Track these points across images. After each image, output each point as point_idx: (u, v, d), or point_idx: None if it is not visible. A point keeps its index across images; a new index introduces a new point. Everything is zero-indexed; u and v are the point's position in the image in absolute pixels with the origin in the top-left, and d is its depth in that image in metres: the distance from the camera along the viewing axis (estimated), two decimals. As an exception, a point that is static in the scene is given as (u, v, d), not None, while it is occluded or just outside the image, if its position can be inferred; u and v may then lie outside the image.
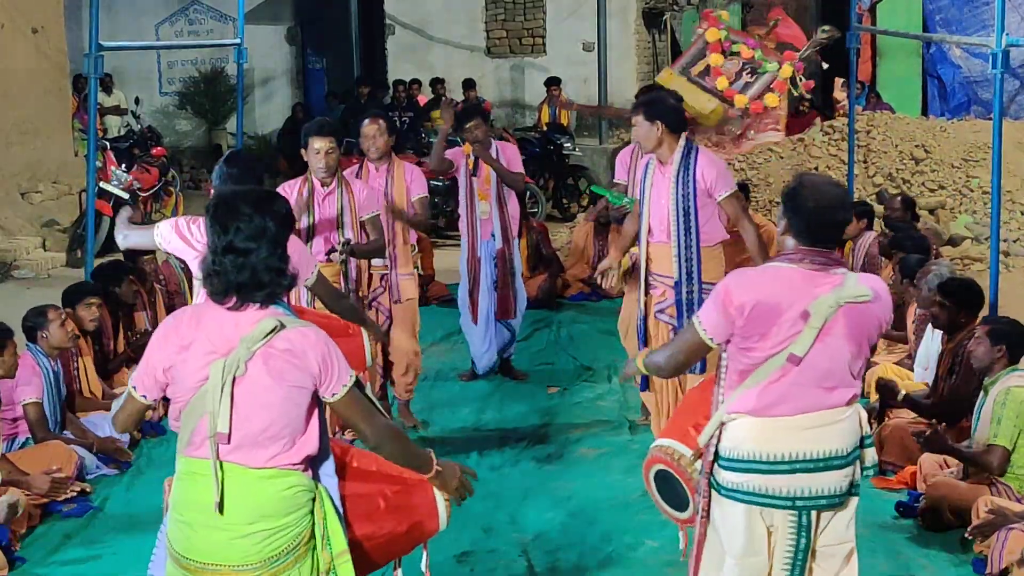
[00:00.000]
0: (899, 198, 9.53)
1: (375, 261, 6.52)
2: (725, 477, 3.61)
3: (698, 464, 3.71)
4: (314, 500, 3.40)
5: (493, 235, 7.80)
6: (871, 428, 6.35)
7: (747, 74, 9.35)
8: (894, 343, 7.92)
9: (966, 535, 5.25)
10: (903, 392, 6.39)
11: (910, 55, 17.99)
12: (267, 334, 3.27)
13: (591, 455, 6.63)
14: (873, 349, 3.52)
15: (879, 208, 11.13)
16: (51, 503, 5.91)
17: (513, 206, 7.85)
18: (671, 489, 3.84)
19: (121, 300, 7.70)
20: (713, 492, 3.66)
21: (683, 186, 5.91)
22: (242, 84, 11.31)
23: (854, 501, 3.68)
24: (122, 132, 15.91)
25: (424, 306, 10.29)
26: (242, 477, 3.31)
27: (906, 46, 17.87)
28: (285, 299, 3.43)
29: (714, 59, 9.11)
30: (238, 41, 10.67)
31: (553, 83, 16.09)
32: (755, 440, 3.55)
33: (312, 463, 3.42)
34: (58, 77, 14.50)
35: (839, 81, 17.39)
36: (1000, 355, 5.55)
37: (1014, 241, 11.40)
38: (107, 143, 13.82)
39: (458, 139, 8.01)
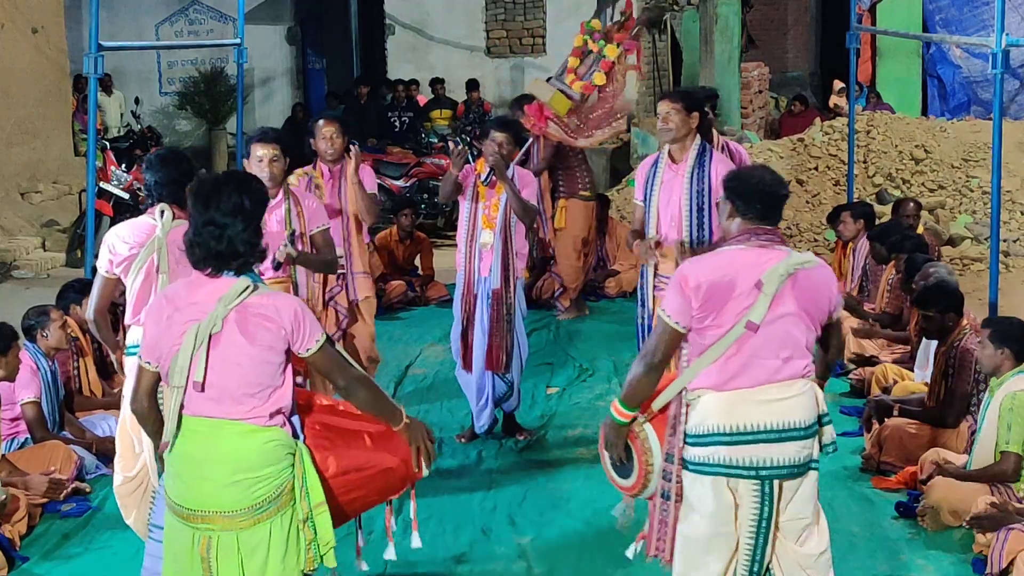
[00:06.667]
0: (912, 203, 9.52)
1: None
2: (693, 453, 3.82)
3: (644, 421, 3.91)
4: (294, 455, 3.72)
5: (492, 270, 6.72)
6: (873, 426, 6.47)
7: (591, 64, 9.97)
8: (894, 343, 7.91)
9: (964, 523, 5.27)
10: (897, 407, 6.46)
11: (910, 55, 17.97)
12: (241, 292, 3.62)
13: (590, 456, 6.61)
14: (829, 327, 3.97)
15: (880, 208, 11.11)
16: (50, 503, 5.91)
17: (520, 243, 6.81)
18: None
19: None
20: (684, 472, 3.85)
21: (698, 182, 5.88)
22: (242, 84, 11.32)
23: (813, 475, 3.88)
24: (122, 132, 15.89)
25: (423, 306, 10.35)
26: (224, 431, 3.66)
27: (906, 46, 17.85)
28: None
29: (571, 62, 9.80)
30: (238, 41, 10.69)
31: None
32: (719, 413, 3.77)
33: (291, 420, 3.76)
34: (58, 77, 14.50)
35: (836, 86, 17.36)
36: (1005, 356, 5.53)
37: (1014, 241, 11.39)
38: (107, 143, 13.81)
39: (470, 155, 7.62)
